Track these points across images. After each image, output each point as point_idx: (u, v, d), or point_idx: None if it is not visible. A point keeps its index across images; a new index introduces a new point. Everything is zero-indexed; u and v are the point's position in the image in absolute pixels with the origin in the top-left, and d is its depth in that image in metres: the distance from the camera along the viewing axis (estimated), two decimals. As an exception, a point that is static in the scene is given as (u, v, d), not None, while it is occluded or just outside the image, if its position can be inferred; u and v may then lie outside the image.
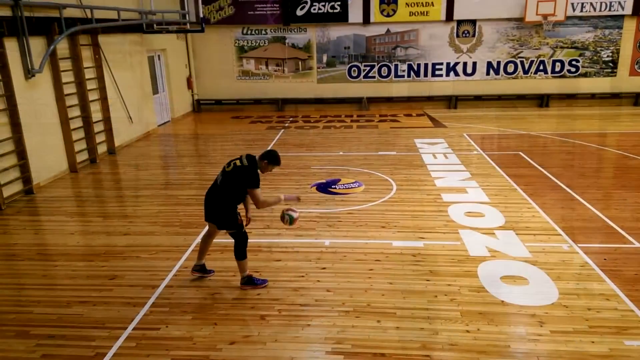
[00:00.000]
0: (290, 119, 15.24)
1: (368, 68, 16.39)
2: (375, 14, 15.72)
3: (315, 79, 16.64)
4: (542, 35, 15.56)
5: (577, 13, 15.18)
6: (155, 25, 13.14)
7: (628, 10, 15.01)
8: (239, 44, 16.49)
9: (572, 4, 15.01)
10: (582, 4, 15.07)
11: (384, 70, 16.36)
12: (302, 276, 5.42)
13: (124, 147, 11.95)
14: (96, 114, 10.77)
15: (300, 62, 16.56)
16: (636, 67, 15.60)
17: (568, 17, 15.09)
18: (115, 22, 10.95)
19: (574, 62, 15.78)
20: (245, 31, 16.35)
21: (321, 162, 10.07)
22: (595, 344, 4.22)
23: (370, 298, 4.95)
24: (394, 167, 9.54)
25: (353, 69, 16.46)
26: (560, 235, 6.36)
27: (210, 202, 5.03)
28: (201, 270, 5.38)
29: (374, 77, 16.45)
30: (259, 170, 4.92)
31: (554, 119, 14.14)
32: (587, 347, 4.18)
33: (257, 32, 16.32)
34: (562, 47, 15.67)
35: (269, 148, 5.13)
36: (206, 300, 5.01)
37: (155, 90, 14.35)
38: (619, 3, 14.95)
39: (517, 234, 6.35)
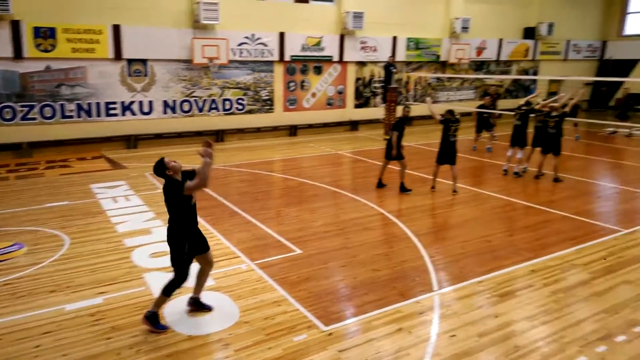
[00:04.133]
0: None
1: (27, 108, 14.19)
2: (29, 49, 13.80)
3: (-48, 123, 13.28)
4: (210, 76, 16.93)
5: (238, 57, 17.21)
6: None
7: (276, 57, 17.99)
8: None
9: (232, 49, 16.94)
10: (241, 50, 17.20)
11: (48, 111, 14.48)
12: None
13: None
14: None
15: None
16: (287, 104, 18.79)
17: (231, 61, 16.92)
18: None
19: (240, 101, 17.77)
20: None
21: (-36, 226, 8.01)
22: (272, 349, 4.67)
23: (35, 380, 4.12)
24: (65, 219, 8.41)
25: (6, 110, 13.93)
26: (239, 257, 6.88)
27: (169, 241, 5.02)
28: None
29: (34, 118, 14.33)
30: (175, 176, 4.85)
31: (229, 152, 15.48)
32: (265, 354, 4.58)
33: None
34: (229, 87, 17.43)
35: None
36: None
37: None
38: (269, 51, 17.75)
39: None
